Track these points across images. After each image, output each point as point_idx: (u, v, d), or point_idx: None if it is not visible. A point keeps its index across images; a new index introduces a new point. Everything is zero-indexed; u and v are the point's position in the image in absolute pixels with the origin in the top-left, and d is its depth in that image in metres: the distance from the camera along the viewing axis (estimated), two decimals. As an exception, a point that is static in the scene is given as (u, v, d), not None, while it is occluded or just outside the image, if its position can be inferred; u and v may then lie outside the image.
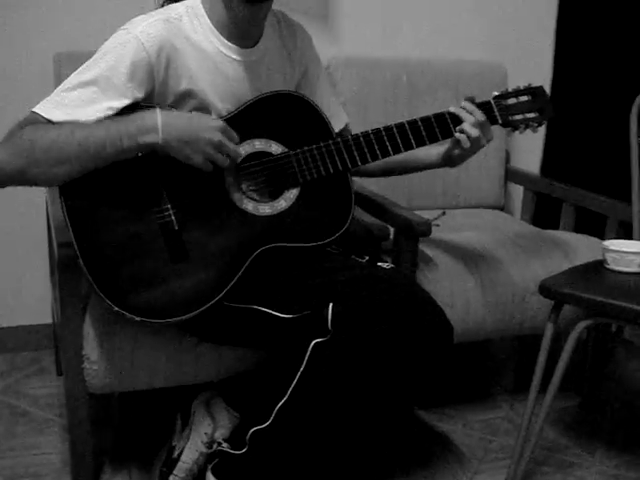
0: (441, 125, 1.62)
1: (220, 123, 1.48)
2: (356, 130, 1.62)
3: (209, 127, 1.46)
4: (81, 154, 1.40)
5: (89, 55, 1.50)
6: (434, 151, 1.72)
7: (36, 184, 1.47)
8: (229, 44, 1.57)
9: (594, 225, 2.27)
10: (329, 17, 2.46)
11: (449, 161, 1.70)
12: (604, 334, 2.22)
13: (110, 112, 1.45)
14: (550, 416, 2.14)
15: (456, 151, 1.65)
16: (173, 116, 1.46)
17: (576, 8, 2.68)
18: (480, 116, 1.61)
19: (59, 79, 2.01)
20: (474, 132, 1.59)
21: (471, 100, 1.64)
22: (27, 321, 2.44)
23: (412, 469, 1.89)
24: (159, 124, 1.42)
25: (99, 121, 1.43)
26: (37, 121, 1.43)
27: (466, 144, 1.60)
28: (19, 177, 1.42)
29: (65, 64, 2.03)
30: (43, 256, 2.27)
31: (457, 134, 1.61)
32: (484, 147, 1.64)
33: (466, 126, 1.60)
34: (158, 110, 1.44)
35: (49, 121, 1.43)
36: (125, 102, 1.46)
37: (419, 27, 2.60)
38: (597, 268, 1.81)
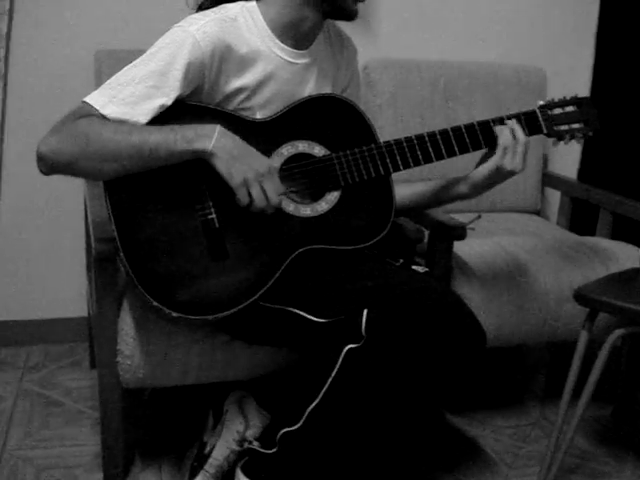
0: (485, 133, 1.59)
1: (272, 162, 1.49)
2: (391, 132, 1.62)
3: (261, 158, 1.47)
4: (134, 154, 1.42)
5: (130, 53, 1.52)
6: (460, 186, 1.68)
7: (83, 176, 1.50)
8: (283, 45, 1.57)
9: (632, 232, 2.25)
10: (368, 19, 2.46)
11: (474, 189, 1.65)
12: (638, 342, 2.19)
13: (161, 109, 1.46)
14: (582, 424, 2.12)
15: (484, 171, 1.60)
16: (231, 135, 1.46)
17: (617, 11, 2.65)
18: (520, 133, 1.57)
19: (100, 76, 2.04)
20: (509, 140, 1.56)
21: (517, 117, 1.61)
22: (63, 314, 2.47)
23: (441, 474, 1.88)
24: (215, 133, 1.43)
25: (158, 126, 1.44)
26: (91, 113, 1.44)
27: (506, 141, 1.55)
28: (68, 168, 1.43)
29: (106, 62, 2.05)
30: (80, 250, 2.30)
31: (499, 127, 1.57)
32: (513, 174, 1.58)
33: (507, 128, 1.57)
34: (219, 125, 1.45)
35: (103, 116, 1.44)
36: (174, 98, 1.47)
37: (457, 30, 2.59)
38: (634, 276, 1.79)
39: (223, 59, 1.51)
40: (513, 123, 1.58)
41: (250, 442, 1.67)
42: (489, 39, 2.63)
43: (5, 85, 2.24)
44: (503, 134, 1.57)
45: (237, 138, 1.47)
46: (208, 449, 1.71)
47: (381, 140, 1.60)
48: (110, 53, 2.08)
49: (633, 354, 2.20)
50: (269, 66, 1.56)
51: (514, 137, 1.56)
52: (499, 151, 1.56)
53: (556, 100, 1.65)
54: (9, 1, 2.16)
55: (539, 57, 2.65)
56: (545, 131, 1.63)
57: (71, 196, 2.29)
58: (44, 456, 1.87)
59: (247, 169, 1.44)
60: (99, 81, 1.49)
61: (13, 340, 2.44)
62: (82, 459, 1.87)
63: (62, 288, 2.44)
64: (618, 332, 1.67)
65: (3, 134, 2.28)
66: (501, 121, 1.59)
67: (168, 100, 1.47)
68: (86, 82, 2.09)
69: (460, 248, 1.96)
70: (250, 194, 1.45)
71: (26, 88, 2.26)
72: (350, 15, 1.56)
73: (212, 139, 1.43)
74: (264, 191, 1.46)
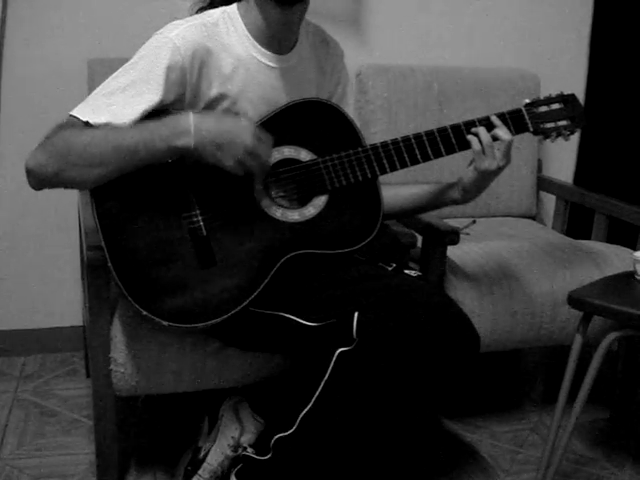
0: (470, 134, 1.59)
1: (253, 126, 1.47)
2: (385, 137, 1.62)
3: (243, 130, 1.45)
4: (115, 156, 1.41)
5: (122, 61, 1.51)
6: (452, 191, 1.67)
7: (71, 186, 1.49)
8: (263, 50, 1.57)
9: (627, 236, 2.25)
10: (360, 24, 2.46)
11: (464, 193, 1.64)
12: (635, 346, 2.18)
13: (145, 113, 1.46)
14: (579, 429, 2.12)
15: (470, 174, 1.60)
16: (206, 119, 1.45)
17: (611, 16, 2.66)
18: (503, 132, 1.57)
19: (92, 85, 2.02)
20: (486, 138, 1.56)
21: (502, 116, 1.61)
22: (58, 323, 2.46)
23: (437, 479, 1.87)
24: (192, 127, 1.42)
25: (133, 125, 1.44)
26: (75, 125, 1.45)
27: (477, 146, 1.56)
28: (55, 179, 1.44)
29: (98, 70, 2.05)
30: (75, 259, 2.30)
31: (469, 136, 1.57)
32: (497, 174, 1.58)
33: (481, 130, 1.57)
34: (191, 113, 1.44)
35: (86, 124, 1.44)
36: (157, 100, 1.47)
37: (451, 34, 2.59)
38: (627, 279, 1.78)
39: (203, 64, 1.51)
40: (480, 129, 1.56)
41: (245, 448, 1.67)
42: (482, 44, 2.63)
43: (-1, 94, 2.25)
44: (472, 141, 1.57)
45: (212, 120, 1.46)
46: (202, 454, 1.70)
47: (369, 144, 1.59)
48: (102, 62, 2.08)
49: (629, 357, 2.20)
50: (250, 71, 1.56)
51: (480, 141, 1.55)
52: (475, 155, 1.57)
53: (542, 98, 1.65)
54: (1, 10, 2.17)
55: (533, 62, 2.65)
56: (531, 129, 1.62)
57: (66, 205, 2.29)
58: (39, 465, 1.87)
59: (235, 150, 1.43)
60: (92, 89, 1.49)
61: (9, 349, 2.43)
62: (77, 468, 1.86)
63: (58, 297, 2.44)
64: (612, 335, 1.67)
65: (-2, 143, 2.28)
66: (487, 120, 1.58)
67: (150, 106, 1.47)
68: (79, 91, 2.09)
69: (454, 253, 1.97)
70: (246, 169, 1.46)
71: (19, 97, 2.27)
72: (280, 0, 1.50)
73: (190, 134, 1.41)
74: (258, 159, 1.46)
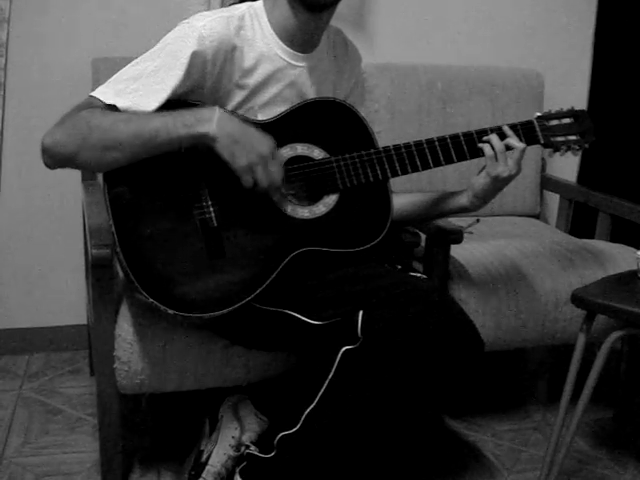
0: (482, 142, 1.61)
1: (271, 141, 1.48)
2: (389, 137, 1.62)
3: (262, 139, 1.46)
4: (134, 141, 1.42)
5: (127, 60, 1.52)
6: (460, 198, 1.69)
7: (84, 168, 1.52)
8: (286, 47, 1.58)
9: (630, 235, 2.24)
10: (364, 23, 2.46)
11: (474, 199, 1.65)
12: (638, 344, 2.18)
13: (168, 98, 1.46)
14: (583, 428, 2.11)
15: (482, 180, 1.61)
16: (231, 117, 1.46)
17: (615, 15, 2.65)
18: (515, 141, 1.59)
19: (97, 84, 2.00)
20: (499, 145, 1.57)
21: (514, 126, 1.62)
22: (63, 322, 2.47)
23: (440, 478, 1.88)
24: (215, 117, 1.42)
25: (158, 113, 1.44)
26: (95, 105, 1.45)
27: (489, 152, 1.57)
28: (71, 159, 1.44)
29: (103, 70, 2.05)
30: (80, 257, 2.30)
31: (480, 144, 1.59)
32: (508, 181, 1.60)
33: (493, 137, 1.58)
34: (217, 107, 1.45)
35: (110, 106, 1.45)
36: (177, 82, 1.47)
37: (454, 34, 2.59)
38: (631, 278, 1.78)
39: (227, 59, 1.52)
40: (492, 136, 1.58)
41: (248, 446, 1.67)
42: (486, 43, 2.63)
43: (4, 94, 2.24)
44: (485, 147, 1.58)
45: (237, 120, 1.46)
46: (205, 457, 1.71)
47: (379, 145, 1.60)
48: (107, 61, 2.08)
49: (632, 356, 2.20)
50: (271, 67, 1.57)
51: (493, 147, 1.57)
52: (487, 161, 1.58)
53: (553, 112, 1.66)
54: (8, 9, 2.17)
55: (537, 61, 2.64)
56: (542, 141, 1.64)
57: (70, 203, 2.30)
58: (43, 463, 1.87)
59: (250, 152, 1.43)
60: (96, 88, 1.50)
61: (13, 348, 2.44)
62: (81, 466, 1.86)
63: (62, 296, 2.44)
64: (616, 334, 1.66)
65: (2, 142, 2.28)
66: (499, 130, 1.60)
67: (173, 90, 1.47)
68: (83, 90, 2.06)
69: (458, 252, 1.96)
70: (255, 177, 1.45)
71: (24, 97, 2.27)
72: (311, 5, 1.51)
73: (213, 123, 1.42)
74: (268, 173, 1.45)
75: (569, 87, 2.66)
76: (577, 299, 1.71)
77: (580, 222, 2.57)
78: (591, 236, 2.38)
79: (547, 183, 2.64)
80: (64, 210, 2.34)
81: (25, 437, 1.98)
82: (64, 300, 2.44)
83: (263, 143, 1.46)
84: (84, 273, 2.31)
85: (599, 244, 2.20)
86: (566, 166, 2.76)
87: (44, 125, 1.47)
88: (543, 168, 2.64)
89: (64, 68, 2.26)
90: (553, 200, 2.70)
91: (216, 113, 1.43)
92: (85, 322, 2.40)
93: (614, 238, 2.31)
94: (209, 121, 1.42)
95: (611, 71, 2.69)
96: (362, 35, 2.45)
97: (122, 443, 1.73)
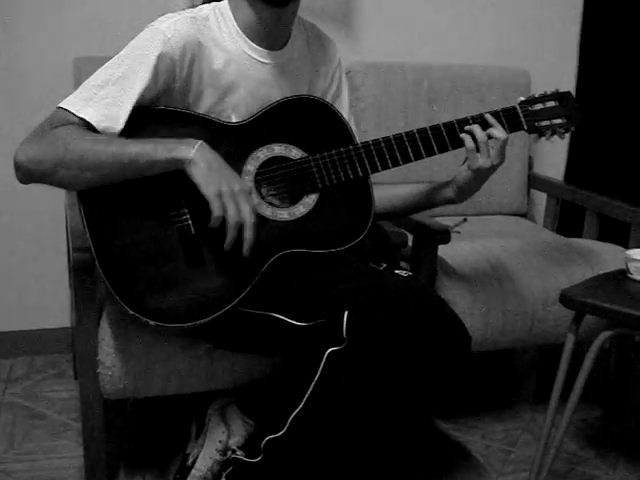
0: (462, 132, 1.58)
1: (250, 185, 1.46)
2: (375, 136, 1.60)
3: (239, 179, 1.42)
4: (113, 164, 1.39)
5: (107, 60, 1.49)
6: (446, 190, 1.67)
7: (60, 186, 1.47)
8: (254, 46, 1.56)
9: (618, 233, 2.24)
10: (350, 21, 2.44)
11: (459, 192, 1.63)
12: (627, 344, 2.17)
13: (136, 104, 1.44)
14: (572, 428, 2.11)
15: (464, 173, 1.59)
16: (213, 150, 1.42)
17: (601, 13, 2.65)
18: (498, 130, 1.56)
19: (78, 82, 1.98)
20: (481, 135, 1.55)
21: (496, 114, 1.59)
22: (46, 324, 2.44)
23: (429, 480, 1.87)
24: (197, 145, 1.40)
25: (138, 139, 1.42)
26: (69, 120, 1.42)
27: (470, 144, 1.55)
28: (46, 177, 1.41)
29: (84, 69, 2.01)
30: (63, 259, 2.28)
31: (462, 134, 1.56)
32: (491, 172, 1.58)
33: (475, 127, 1.55)
34: (202, 141, 1.41)
35: (82, 119, 1.42)
36: (145, 89, 1.44)
37: (441, 31, 2.58)
38: (620, 277, 1.77)
39: (194, 58, 1.50)
40: (474, 127, 1.55)
41: (234, 451, 1.65)
42: (473, 41, 2.62)
43: (-16, 94, 2.22)
44: (465, 139, 1.56)
45: (218, 155, 1.43)
46: (191, 460, 1.69)
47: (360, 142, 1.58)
48: (89, 60, 2.04)
49: (621, 356, 2.19)
50: (241, 66, 1.55)
51: (475, 139, 1.55)
52: (469, 154, 1.56)
53: (537, 95, 1.63)
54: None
55: (523, 59, 2.64)
56: (525, 127, 1.61)
57: (54, 204, 2.26)
58: (27, 469, 1.84)
59: (222, 182, 1.39)
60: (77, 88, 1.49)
61: (-4, 352, 2.41)
62: (66, 472, 1.84)
63: (46, 298, 2.41)
64: (605, 334, 1.65)
65: (-17, 144, 2.25)
66: (481, 118, 1.57)
67: (140, 94, 1.44)
68: (65, 89, 2.03)
69: (445, 252, 1.95)
70: (224, 208, 1.39)
71: (3, 96, 2.24)
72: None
73: (193, 149, 1.39)
74: (238, 208, 1.39)
75: (556, 84, 2.63)
76: (566, 299, 1.70)
77: (567, 221, 2.56)
78: (578, 235, 2.37)
79: (534, 181, 2.63)
80: (47, 211, 2.31)
81: (9, 443, 1.95)
82: (47, 303, 2.41)
83: (238, 180, 1.41)
84: (67, 275, 2.28)
85: (587, 243, 2.19)
86: (553, 164, 2.77)
87: (25, 124, 1.45)
88: (530, 166, 2.63)
89: (45, 67, 2.24)
90: (540, 199, 2.70)
91: (199, 142, 1.41)
92: (69, 325, 2.38)
93: (602, 237, 2.30)
94: (190, 146, 1.39)
95: (598, 68, 2.68)
96: (348, 33, 2.44)
97: (106, 448, 1.70)
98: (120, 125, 1.43)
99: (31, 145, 1.40)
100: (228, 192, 1.38)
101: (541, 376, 2.54)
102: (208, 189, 1.38)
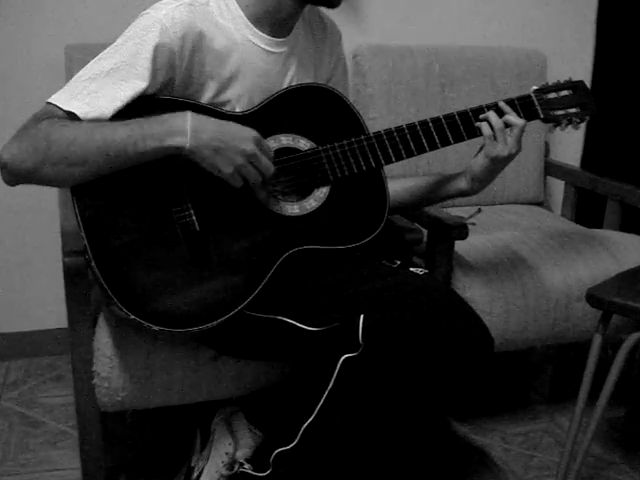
0: (478, 120, 1.52)
1: (255, 133, 1.37)
2: (384, 123, 1.51)
3: (243, 137, 1.35)
4: (100, 156, 1.30)
5: (102, 47, 1.41)
6: (459, 181, 1.61)
7: (48, 184, 1.37)
8: (259, 33, 1.48)
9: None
10: (357, 2, 2.36)
11: (472, 182, 1.58)
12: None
13: (129, 101, 1.35)
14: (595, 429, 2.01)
15: (480, 161, 1.53)
16: (205, 121, 1.35)
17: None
18: (514, 117, 1.50)
19: (70, 71, 1.95)
20: (498, 123, 1.49)
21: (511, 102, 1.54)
22: (43, 325, 2.37)
23: (447, 488, 1.78)
24: (188, 126, 1.31)
25: (123, 122, 1.33)
26: (54, 114, 1.34)
27: (487, 131, 1.49)
28: (31, 176, 1.32)
29: (76, 56, 1.95)
30: (60, 259, 2.19)
31: (478, 123, 1.51)
32: (508, 161, 1.52)
33: (491, 114, 1.50)
34: (189, 112, 1.33)
35: (68, 113, 1.33)
36: (144, 86, 1.36)
37: (452, 13, 2.49)
38: (648, 273, 1.68)
39: (195, 48, 1.41)
40: (490, 114, 1.50)
41: (241, 464, 1.57)
42: (486, 22, 2.53)
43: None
44: (482, 127, 1.51)
45: (211, 122, 1.35)
46: (196, 474, 1.61)
47: (371, 131, 1.51)
48: (80, 47, 1.97)
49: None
50: (245, 55, 1.46)
51: (491, 126, 1.50)
52: (486, 141, 1.51)
53: (551, 84, 1.58)
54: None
55: (538, 40, 2.55)
56: (542, 116, 1.55)
57: (48, 204, 2.18)
58: (23, 482, 1.77)
59: (234, 156, 1.33)
60: (70, 76, 1.40)
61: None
62: (64, 484, 1.76)
63: (42, 299, 2.34)
64: (635, 336, 1.58)
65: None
66: (496, 106, 1.52)
67: (136, 92, 1.36)
68: (56, 78, 1.99)
69: (461, 246, 1.86)
70: (246, 178, 1.37)
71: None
72: (331, 2, 1.48)
73: (186, 134, 1.31)
74: (258, 170, 1.36)
75: (572, 67, 2.57)
76: (593, 298, 1.60)
77: (587, 210, 2.46)
78: (598, 224, 2.27)
79: (551, 169, 2.53)
80: (42, 210, 2.24)
81: (4, 453, 1.87)
82: (44, 303, 2.34)
83: (245, 139, 1.35)
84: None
85: (609, 234, 2.09)
86: (569, 150, 2.68)
87: (15, 115, 1.38)
88: (546, 153, 2.53)
89: (36, 56, 2.15)
90: (557, 186, 2.60)
91: (188, 121, 1.32)
92: (66, 325, 2.29)
93: (624, 227, 2.20)
94: (182, 133, 1.31)
95: (615, 50, 2.60)
96: (354, 15, 2.36)
97: (105, 460, 1.63)
98: (108, 116, 1.34)
99: (14, 142, 1.32)
100: (244, 161, 1.34)
101: (557, 373, 2.44)
102: (224, 173, 1.35)
